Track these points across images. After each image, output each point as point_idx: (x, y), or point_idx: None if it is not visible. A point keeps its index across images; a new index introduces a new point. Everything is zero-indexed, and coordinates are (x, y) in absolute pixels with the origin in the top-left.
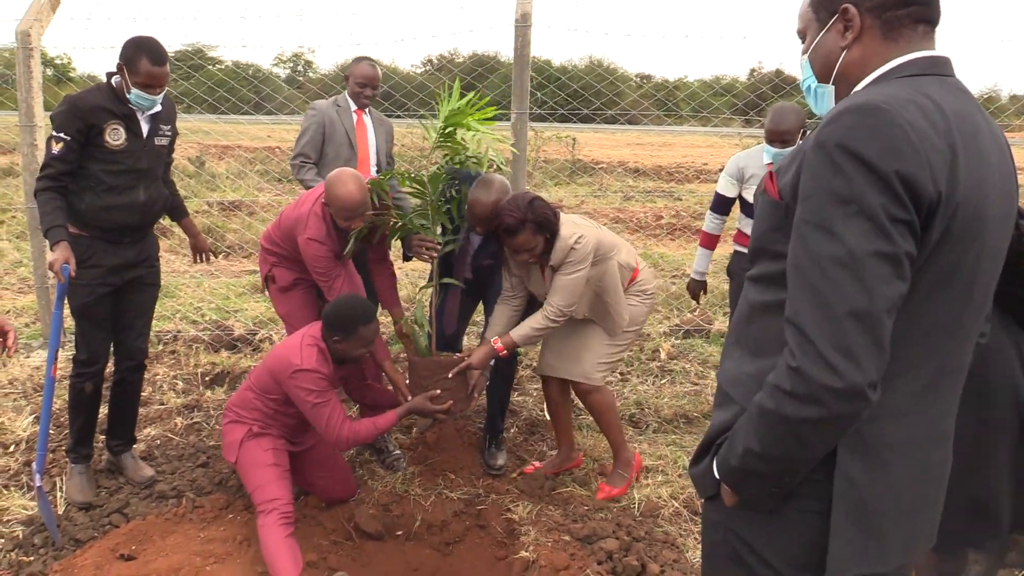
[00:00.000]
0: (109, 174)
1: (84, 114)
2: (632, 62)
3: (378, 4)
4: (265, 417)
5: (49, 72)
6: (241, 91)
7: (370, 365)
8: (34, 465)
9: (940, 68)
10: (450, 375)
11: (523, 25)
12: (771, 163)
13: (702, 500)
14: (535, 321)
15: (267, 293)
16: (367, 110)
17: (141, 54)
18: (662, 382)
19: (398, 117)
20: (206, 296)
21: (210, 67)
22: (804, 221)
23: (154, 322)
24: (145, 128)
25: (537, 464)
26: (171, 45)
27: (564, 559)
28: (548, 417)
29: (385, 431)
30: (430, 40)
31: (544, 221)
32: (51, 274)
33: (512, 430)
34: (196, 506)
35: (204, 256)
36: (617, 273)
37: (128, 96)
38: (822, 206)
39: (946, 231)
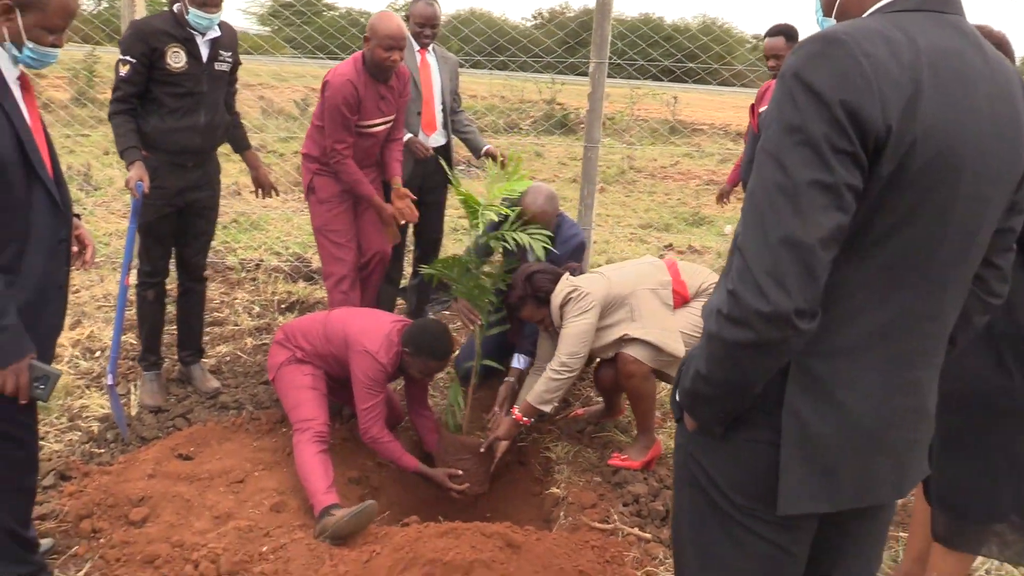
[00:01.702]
0: (171, 97)
1: (146, 37)
2: (748, 21)
3: None
4: (313, 356)
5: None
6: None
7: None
8: (107, 366)
9: (937, 5)
10: (478, 448)
11: None
12: None
13: None
14: (543, 380)
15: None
16: (431, 48)
17: None
18: None
19: (505, 70)
20: (292, 231)
21: (325, 13)
22: (761, 149)
23: (240, 251)
24: (204, 52)
25: (581, 411)
26: None
27: (592, 498)
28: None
29: (399, 464)
30: None
31: (544, 295)
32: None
33: None
34: (253, 418)
35: (266, 191)
36: (650, 299)
37: (187, 17)
38: (776, 134)
39: (900, 168)
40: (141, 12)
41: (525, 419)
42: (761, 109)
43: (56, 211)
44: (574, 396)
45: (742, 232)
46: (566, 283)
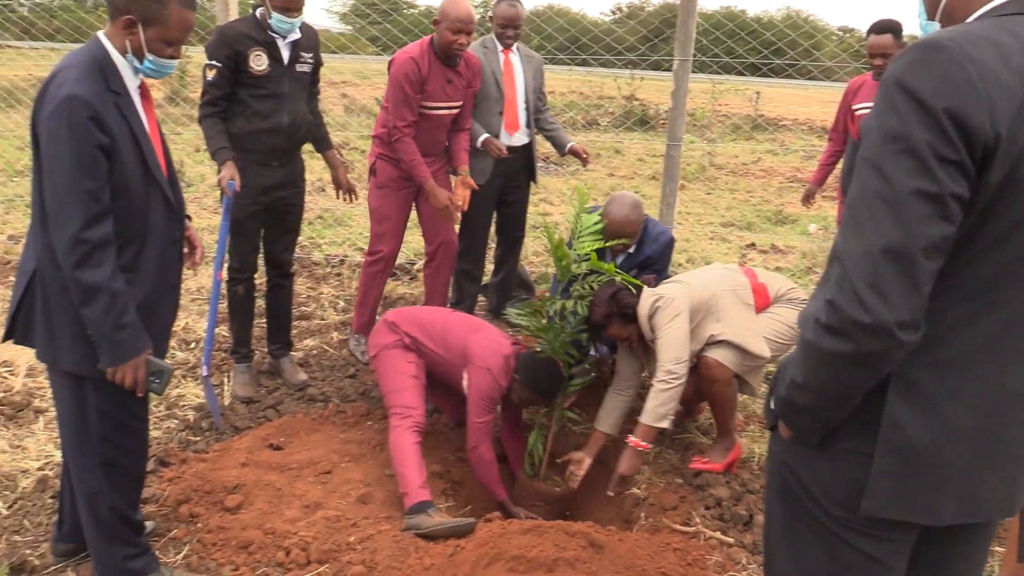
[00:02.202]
0: (255, 99)
1: (230, 41)
2: (835, 15)
3: None
4: (422, 349)
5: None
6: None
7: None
8: (202, 357)
9: None
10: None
11: None
12: None
13: None
14: (653, 396)
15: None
16: (515, 48)
17: None
18: None
19: (583, 65)
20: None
21: (406, 11)
22: (861, 158)
23: (325, 247)
24: (286, 54)
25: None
26: None
27: (673, 500)
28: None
29: (489, 488)
30: None
31: (630, 312)
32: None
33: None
34: (339, 411)
35: (344, 191)
36: (732, 300)
37: (269, 21)
38: (876, 143)
39: (1011, 175)
40: (234, 15)
41: (645, 444)
42: (855, 107)
43: (171, 213)
44: None
45: (841, 241)
46: (649, 294)
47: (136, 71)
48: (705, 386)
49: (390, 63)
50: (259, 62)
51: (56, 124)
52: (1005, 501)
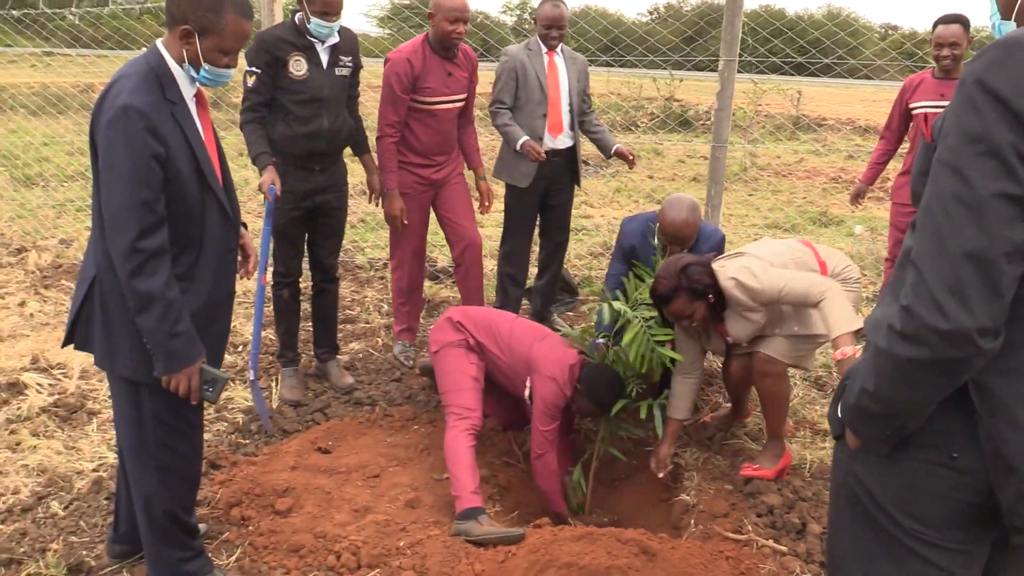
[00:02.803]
0: (295, 104)
1: (269, 47)
2: (877, 13)
3: None
4: (486, 351)
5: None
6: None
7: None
8: (249, 361)
9: None
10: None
11: None
12: None
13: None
14: (828, 311)
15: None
16: (559, 49)
17: None
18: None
19: (622, 67)
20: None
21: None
22: (938, 160)
23: (368, 250)
24: (325, 59)
25: (708, 417)
26: None
27: (724, 507)
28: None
29: (549, 497)
30: None
31: (700, 288)
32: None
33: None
34: (386, 414)
35: (377, 197)
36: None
37: (308, 26)
38: (956, 144)
39: None
40: (280, 19)
41: (854, 350)
42: (912, 105)
43: (227, 221)
44: (703, 402)
45: (916, 246)
46: (727, 272)
47: (193, 80)
48: (757, 381)
49: (385, 61)
50: (299, 67)
51: (113, 133)
52: None
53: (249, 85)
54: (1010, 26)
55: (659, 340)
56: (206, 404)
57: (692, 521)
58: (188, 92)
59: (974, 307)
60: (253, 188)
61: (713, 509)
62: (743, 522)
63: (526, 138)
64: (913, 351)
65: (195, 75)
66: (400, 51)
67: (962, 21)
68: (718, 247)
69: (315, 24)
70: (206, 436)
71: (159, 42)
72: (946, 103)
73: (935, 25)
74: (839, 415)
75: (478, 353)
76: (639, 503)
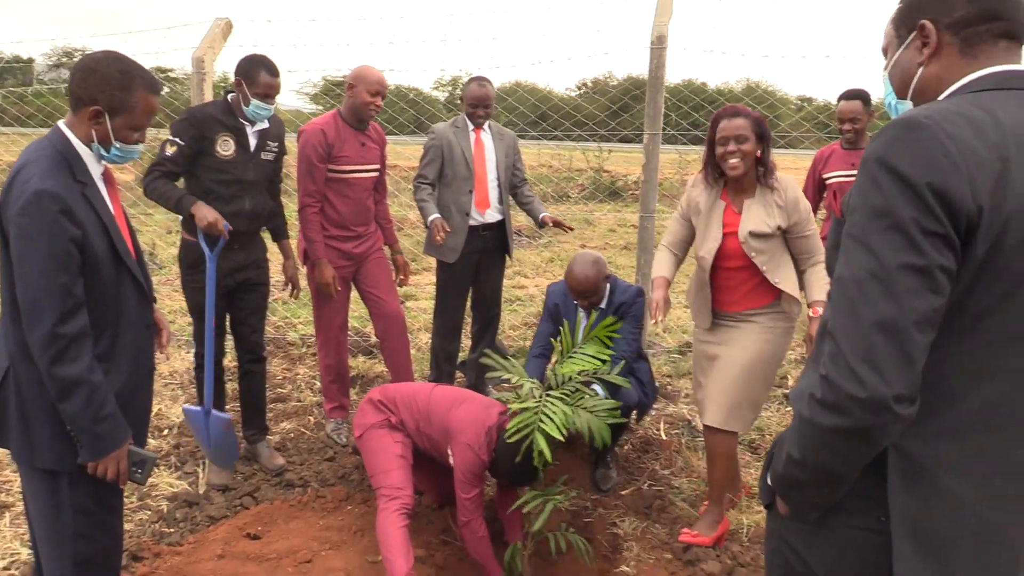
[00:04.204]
0: (218, 183)
1: (199, 123)
2: (792, 84)
3: (518, 29)
4: (407, 426)
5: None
6: (404, 113)
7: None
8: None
9: (1017, 83)
10: None
11: (658, 47)
12: None
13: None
14: (817, 275)
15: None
16: (486, 127)
17: (259, 67)
18: (787, 409)
19: (551, 140)
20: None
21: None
22: (847, 235)
23: (300, 326)
24: (253, 142)
25: (693, 534)
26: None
27: None
28: (708, 467)
29: (483, 564)
30: (583, 62)
31: (765, 128)
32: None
33: (626, 447)
34: (319, 496)
35: (289, 283)
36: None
37: (246, 108)
38: (862, 220)
39: (995, 247)
40: (210, 99)
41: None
42: (825, 175)
43: (143, 298)
44: (639, 470)
45: (832, 318)
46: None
47: (101, 158)
48: (707, 438)
49: (299, 135)
50: (226, 147)
51: (26, 221)
52: (1015, 571)
53: (168, 154)
54: (907, 105)
55: (545, 430)
56: (126, 490)
57: None
58: (96, 171)
59: (889, 375)
60: (163, 258)
61: None
62: None
63: (435, 216)
64: (834, 420)
65: (105, 154)
66: (313, 123)
67: (862, 97)
68: (636, 296)
69: (254, 106)
70: (128, 526)
71: (61, 123)
72: (857, 172)
73: (838, 100)
74: (768, 483)
75: (402, 431)
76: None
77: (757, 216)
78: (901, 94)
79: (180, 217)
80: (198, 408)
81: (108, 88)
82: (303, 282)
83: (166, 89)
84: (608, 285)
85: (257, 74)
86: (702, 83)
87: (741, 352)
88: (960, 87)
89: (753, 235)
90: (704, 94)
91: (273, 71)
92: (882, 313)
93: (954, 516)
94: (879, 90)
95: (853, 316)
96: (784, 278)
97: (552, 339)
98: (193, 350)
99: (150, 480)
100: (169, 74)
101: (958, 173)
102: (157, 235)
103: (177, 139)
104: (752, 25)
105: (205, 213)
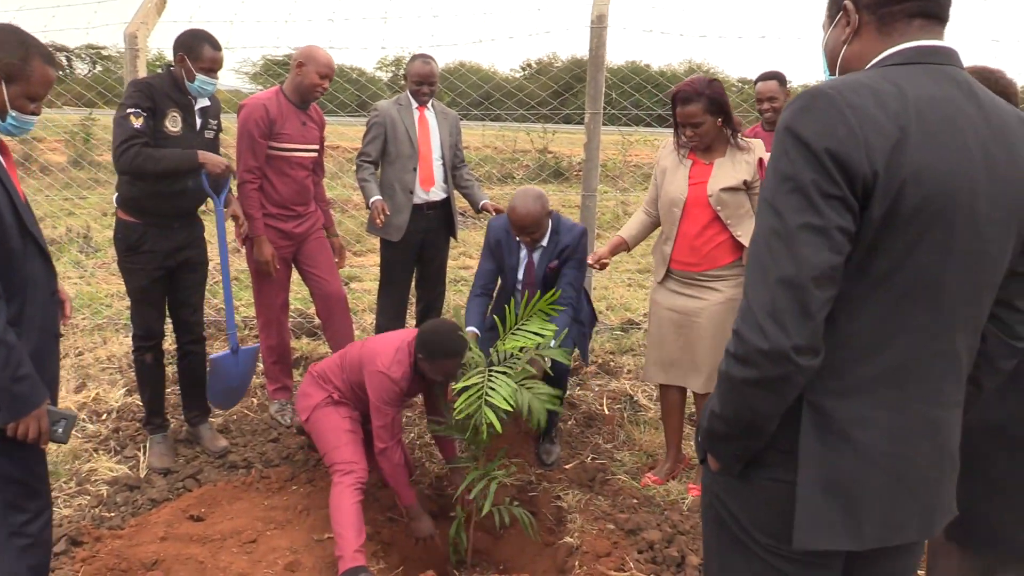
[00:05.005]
0: None
1: (153, 94)
2: (732, 65)
3: (459, 6)
4: (343, 395)
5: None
6: (346, 92)
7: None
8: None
9: (930, 57)
10: None
11: (598, 26)
12: None
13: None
14: None
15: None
16: (430, 105)
17: (203, 41)
18: None
19: (495, 120)
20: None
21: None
22: (761, 198)
23: (241, 308)
24: (198, 120)
25: (653, 477)
26: (268, 49)
27: (606, 546)
28: (664, 423)
29: (398, 491)
30: (524, 41)
31: (720, 102)
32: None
33: (570, 422)
34: (263, 476)
35: (241, 230)
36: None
37: (191, 84)
38: (771, 184)
39: (892, 210)
40: (142, 75)
41: None
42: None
43: (47, 264)
44: (583, 444)
45: (746, 277)
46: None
47: None
48: (700, 403)
49: (239, 109)
50: (175, 123)
51: None
52: (924, 523)
53: (136, 126)
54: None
55: (492, 402)
56: (64, 475)
57: (577, 563)
58: None
59: (789, 328)
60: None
61: (596, 549)
62: (625, 560)
63: (377, 198)
64: (744, 371)
65: (1, 123)
66: (256, 98)
67: (778, 77)
68: (580, 238)
69: (200, 81)
70: (67, 512)
71: None
72: None
73: (755, 82)
74: (699, 440)
75: (347, 405)
76: (523, 549)
77: (726, 173)
78: (832, 70)
79: (117, 196)
80: (225, 352)
81: (4, 56)
82: (242, 263)
83: (99, 68)
84: (550, 222)
85: (200, 48)
86: (645, 64)
87: (708, 320)
88: (877, 62)
89: (723, 190)
90: (646, 75)
91: (216, 45)
92: (784, 270)
93: (864, 468)
94: (816, 70)
95: (760, 273)
96: (748, 233)
97: (493, 276)
98: (131, 333)
99: (89, 464)
100: (101, 51)
101: (855, 140)
102: (92, 217)
103: (138, 110)
104: (692, 5)
105: (217, 160)
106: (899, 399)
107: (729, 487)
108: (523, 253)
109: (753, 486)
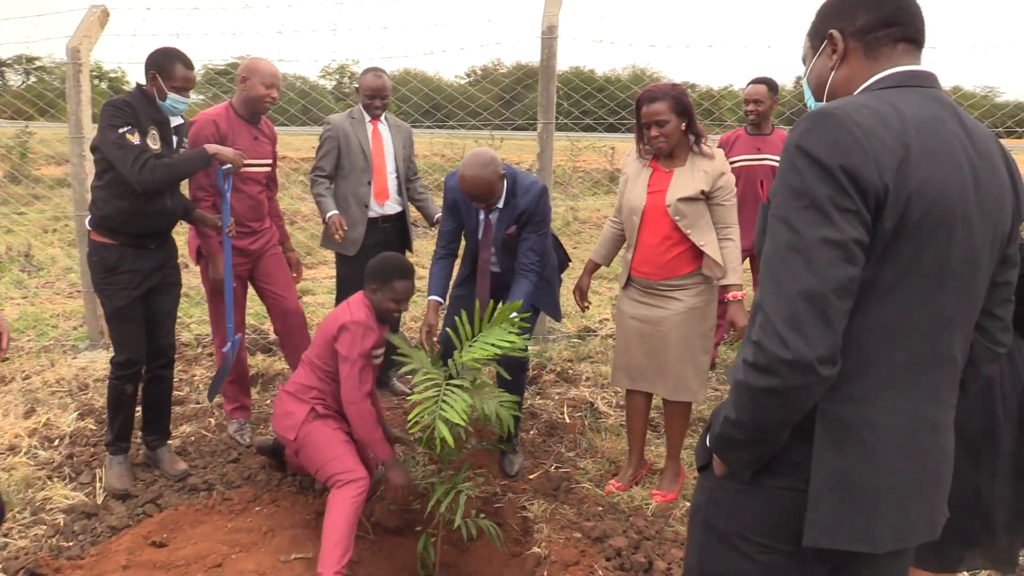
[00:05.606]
0: None
1: (136, 112)
2: (677, 72)
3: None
4: (324, 394)
5: (104, 86)
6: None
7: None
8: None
9: (917, 81)
10: None
11: (549, 37)
12: None
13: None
14: (731, 254)
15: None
16: (383, 118)
17: (175, 60)
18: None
19: (440, 128)
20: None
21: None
22: (772, 216)
23: (193, 326)
24: (174, 137)
25: (617, 484)
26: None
27: (574, 555)
28: (627, 428)
29: (372, 445)
30: (474, 51)
31: (685, 104)
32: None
33: (531, 431)
34: (225, 499)
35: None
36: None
37: (162, 103)
38: (783, 200)
39: (901, 222)
40: (87, 91)
41: (743, 293)
42: (731, 159)
43: None
44: (545, 454)
45: (761, 291)
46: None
47: None
48: (669, 411)
49: (189, 126)
50: (155, 140)
51: None
52: (929, 524)
53: (136, 142)
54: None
55: (446, 416)
56: (16, 505)
57: (545, 573)
58: None
59: (811, 338)
60: (63, 267)
61: (564, 558)
62: (593, 568)
63: (333, 213)
64: (765, 381)
65: None
66: (205, 114)
67: (768, 83)
68: (539, 199)
69: (172, 100)
70: (23, 543)
71: None
72: (763, 156)
73: (748, 84)
74: (707, 445)
75: (333, 416)
76: (491, 561)
77: (684, 183)
78: (818, 97)
79: (90, 218)
80: (229, 345)
81: None
82: (196, 280)
83: (33, 79)
84: (505, 184)
85: (173, 67)
86: (590, 71)
87: (672, 330)
88: (868, 85)
89: (681, 200)
90: (593, 83)
91: (188, 64)
92: (804, 283)
93: (874, 469)
94: (779, 76)
95: (778, 286)
96: (709, 242)
97: (456, 236)
98: (111, 359)
99: (43, 493)
100: (36, 62)
101: (866, 156)
102: (32, 234)
103: (130, 126)
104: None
105: (225, 149)
106: (906, 403)
107: (732, 492)
108: (481, 215)
109: (759, 491)
